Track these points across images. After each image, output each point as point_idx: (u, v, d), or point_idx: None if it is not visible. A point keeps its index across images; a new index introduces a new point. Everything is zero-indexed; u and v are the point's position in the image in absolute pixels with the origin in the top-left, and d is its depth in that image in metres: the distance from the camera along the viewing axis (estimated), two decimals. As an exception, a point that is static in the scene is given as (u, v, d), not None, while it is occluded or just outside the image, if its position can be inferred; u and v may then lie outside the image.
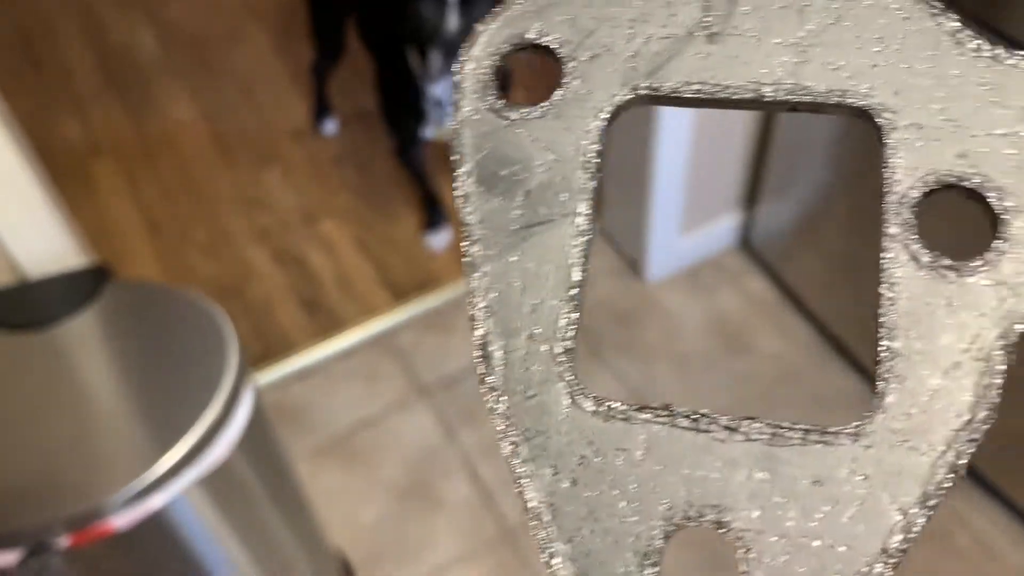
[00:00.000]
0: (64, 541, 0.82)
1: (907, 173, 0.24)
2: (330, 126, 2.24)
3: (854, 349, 1.70)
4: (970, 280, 0.24)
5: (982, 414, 0.23)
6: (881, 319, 0.24)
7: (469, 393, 1.71)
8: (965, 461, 0.23)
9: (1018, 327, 0.23)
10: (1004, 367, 0.23)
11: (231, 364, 0.90)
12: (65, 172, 2.12)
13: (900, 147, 0.25)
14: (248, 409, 0.92)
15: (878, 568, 0.23)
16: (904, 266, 0.24)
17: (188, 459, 0.85)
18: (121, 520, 0.83)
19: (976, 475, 1.53)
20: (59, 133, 2.31)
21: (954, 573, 1.46)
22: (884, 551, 0.23)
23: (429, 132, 1.88)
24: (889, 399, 0.24)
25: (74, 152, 2.25)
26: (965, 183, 0.24)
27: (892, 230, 0.24)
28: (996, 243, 0.24)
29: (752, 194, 1.83)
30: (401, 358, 1.78)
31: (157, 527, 0.87)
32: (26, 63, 2.53)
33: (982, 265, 0.24)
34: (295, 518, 1.13)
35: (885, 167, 0.25)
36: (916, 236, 0.24)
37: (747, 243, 1.90)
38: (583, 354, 1.75)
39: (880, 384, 0.24)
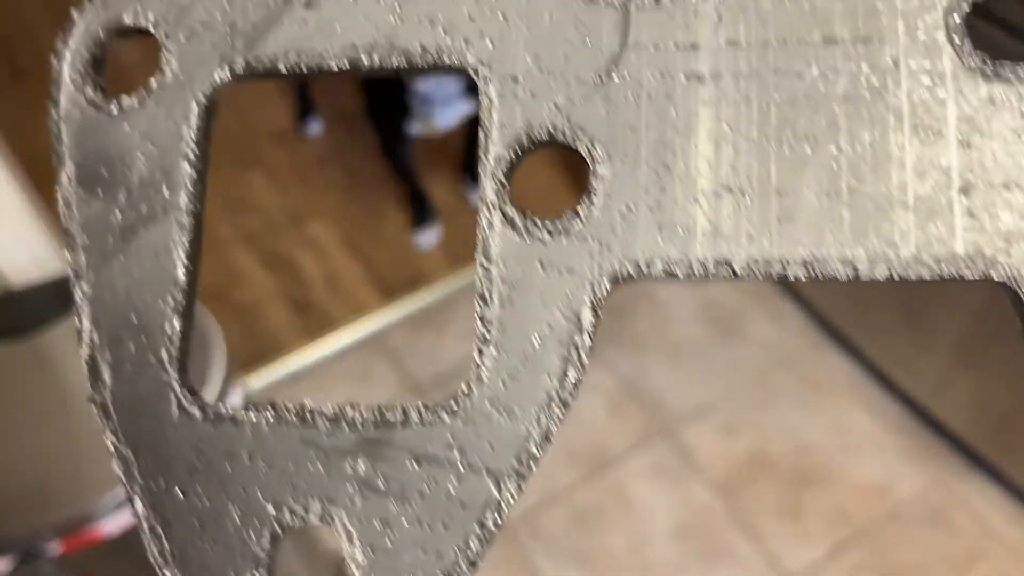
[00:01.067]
0: (55, 548, 0.82)
1: (501, 132, 0.24)
2: (314, 126, 2.23)
3: (846, 333, 1.70)
4: (563, 239, 0.23)
5: (571, 374, 0.23)
6: (478, 289, 0.24)
7: (462, 389, 1.70)
8: (557, 426, 0.23)
9: (606, 283, 0.23)
10: (594, 325, 0.23)
11: (218, 366, 0.89)
12: (48, 180, 2.11)
13: (496, 103, 0.24)
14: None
15: (474, 544, 0.23)
16: (500, 232, 0.24)
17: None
18: (111, 525, 0.83)
19: (973, 454, 1.54)
20: (41, 141, 2.30)
21: (952, 552, 1.46)
22: (481, 524, 0.23)
23: (415, 128, 1.87)
24: (484, 370, 0.23)
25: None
26: (559, 137, 0.24)
27: (489, 196, 0.24)
28: (587, 197, 0.23)
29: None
30: (393, 357, 1.77)
31: (149, 532, 0.86)
32: (8, 72, 2.52)
33: (574, 220, 0.23)
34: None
35: (481, 126, 0.24)
36: (509, 199, 0.24)
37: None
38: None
39: (476, 355, 0.23)
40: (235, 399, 0.91)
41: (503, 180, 0.24)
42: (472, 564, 0.23)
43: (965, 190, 0.22)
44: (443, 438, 0.23)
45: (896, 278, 0.22)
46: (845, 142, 0.23)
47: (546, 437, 0.23)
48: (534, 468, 0.23)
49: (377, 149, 2.05)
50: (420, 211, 1.99)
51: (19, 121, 2.36)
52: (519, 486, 0.23)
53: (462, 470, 0.23)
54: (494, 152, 0.24)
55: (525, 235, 0.23)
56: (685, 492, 1.56)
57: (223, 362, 0.90)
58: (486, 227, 0.24)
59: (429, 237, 1.98)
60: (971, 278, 0.22)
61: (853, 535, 1.50)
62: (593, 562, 1.50)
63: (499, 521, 0.23)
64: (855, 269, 0.22)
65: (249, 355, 1.76)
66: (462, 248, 1.96)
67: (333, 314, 1.85)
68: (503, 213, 0.24)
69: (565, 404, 0.23)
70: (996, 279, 0.22)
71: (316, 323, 1.84)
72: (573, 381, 0.23)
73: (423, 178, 2.02)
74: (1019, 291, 0.22)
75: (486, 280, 0.23)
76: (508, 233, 0.24)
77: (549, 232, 0.23)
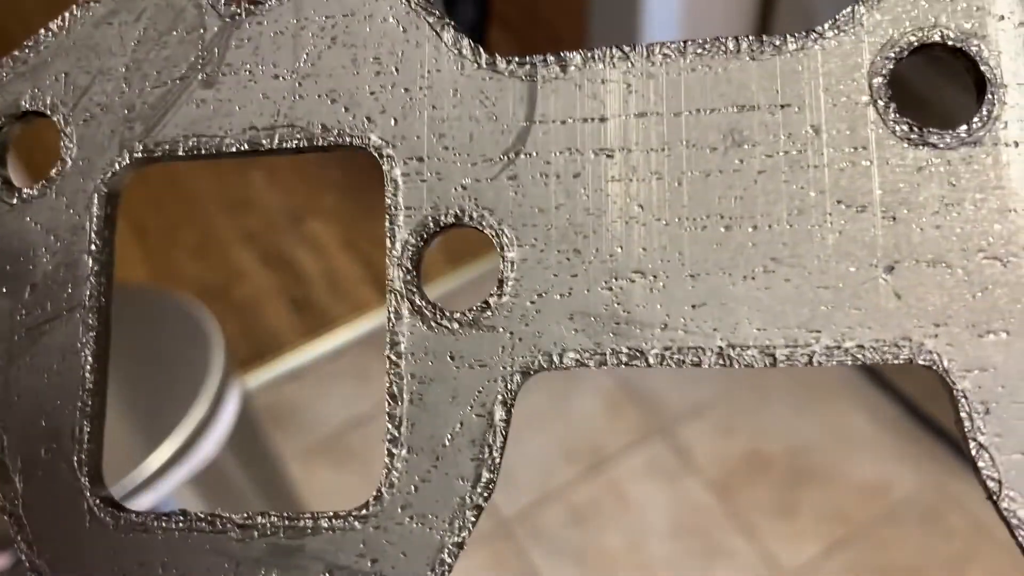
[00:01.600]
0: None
1: (408, 217, 0.23)
2: (315, 126, 2.23)
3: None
4: (473, 331, 0.22)
5: (485, 476, 0.22)
6: (387, 387, 0.23)
7: (460, 388, 1.70)
8: (470, 532, 0.22)
9: (518, 378, 0.22)
10: (506, 422, 0.22)
11: (216, 363, 0.90)
12: (50, 179, 2.11)
13: (401, 186, 0.23)
14: (235, 407, 0.92)
15: None
16: (408, 323, 0.23)
17: (176, 459, 0.85)
18: (110, 522, 0.83)
19: (968, 454, 1.54)
20: (42, 140, 2.30)
21: (948, 553, 1.46)
22: None
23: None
24: (395, 473, 0.23)
25: (58, 158, 2.24)
26: (467, 221, 0.23)
27: (396, 284, 0.23)
28: (498, 285, 0.22)
29: None
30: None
31: (147, 528, 0.87)
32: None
33: (485, 310, 0.22)
34: (287, 516, 1.13)
35: (387, 211, 0.23)
36: (417, 288, 0.23)
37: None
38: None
39: (387, 458, 0.23)
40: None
41: (411, 267, 0.23)
42: None
43: (891, 269, 0.21)
44: (355, 547, 0.23)
45: (817, 365, 0.21)
46: (762, 220, 0.21)
47: (460, 545, 0.22)
48: (447, 572, 0.22)
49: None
50: None
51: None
52: None
53: None
54: (400, 238, 0.23)
55: (435, 326, 0.23)
56: (682, 491, 1.57)
57: (221, 361, 0.91)
58: (394, 318, 0.23)
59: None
60: (896, 363, 0.21)
61: (849, 534, 1.50)
62: (590, 560, 1.50)
63: None
64: (773, 358, 0.21)
65: (248, 353, 1.76)
66: (461, 247, 1.97)
67: (333, 312, 1.86)
68: (411, 303, 0.23)
69: (479, 508, 0.22)
70: (922, 363, 0.21)
71: (316, 321, 1.84)
72: (486, 484, 0.22)
73: None
74: (946, 377, 0.21)
75: (395, 376, 0.23)
76: (417, 324, 0.23)
77: (459, 323, 0.22)
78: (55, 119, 0.25)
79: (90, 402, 0.24)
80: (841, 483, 1.56)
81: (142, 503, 0.84)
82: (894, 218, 0.21)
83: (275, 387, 1.73)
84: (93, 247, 0.24)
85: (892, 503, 1.53)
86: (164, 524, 0.23)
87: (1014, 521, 0.20)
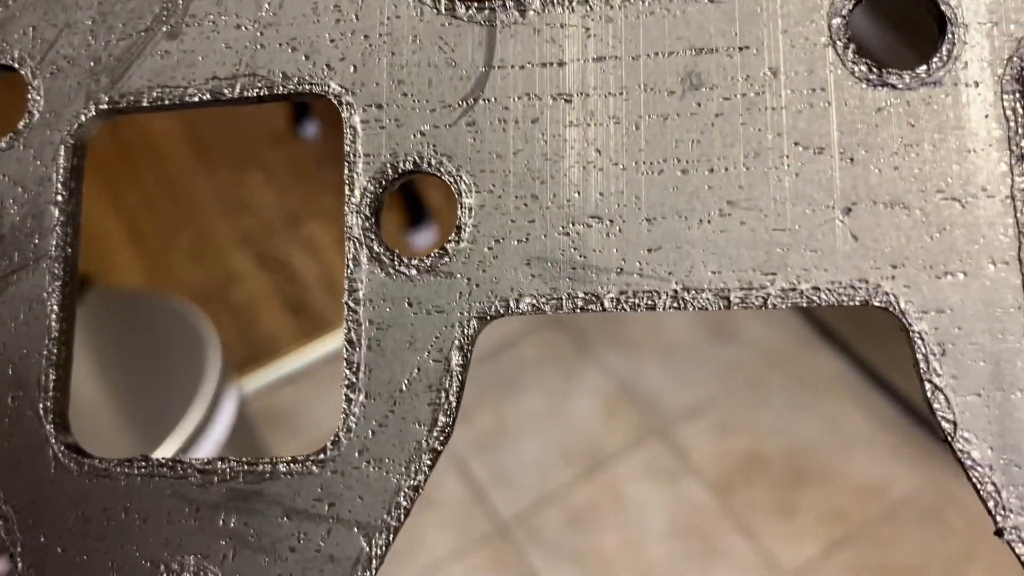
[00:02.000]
0: None
1: (367, 164, 0.23)
2: (310, 128, 2.23)
3: (840, 332, 1.70)
4: (431, 277, 0.23)
5: (441, 420, 0.22)
6: (344, 332, 0.23)
7: (458, 390, 1.70)
8: (427, 476, 0.22)
9: (475, 323, 0.22)
10: (462, 367, 0.22)
11: (213, 367, 0.90)
12: None
13: (360, 133, 0.23)
14: (231, 411, 0.92)
15: None
16: (366, 270, 0.23)
17: (172, 463, 0.85)
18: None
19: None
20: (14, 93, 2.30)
21: (946, 552, 1.46)
22: None
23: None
24: (352, 418, 0.23)
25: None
26: (425, 167, 0.23)
27: (355, 232, 0.23)
28: (455, 231, 0.23)
29: None
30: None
31: (144, 533, 0.86)
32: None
33: (442, 256, 0.23)
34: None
35: (346, 158, 0.23)
36: (376, 235, 0.23)
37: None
38: (570, 350, 1.76)
39: (344, 403, 0.23)
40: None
41: (369, 214, 0.23)
42: None
43: (848, 210, 0.21)
44: (312, 491, 0.23)
45: (771, 307, 0.21)
46: (719, 163, 0.21)
47: (416, 488, 0.22)
48: (403, 521, 0.22)
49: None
50: (416, 213, 2.00)
51: (13, 123, 2.37)
52: (389, 540, 0.22)
53: (331, 524, 0.23)
54: (359, 185, 0.23)
55: (392, 272, 0.23)
56: (680, 492, 1.57)
57: (218, 364, 0.90)
58: (352, 265, 0.23)
59: (425, 238, 1.98)
60: (851, 305, 0.21)
61: (847, 534, 1.50)
62: (589, 562, 1.50)
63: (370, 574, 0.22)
64: (727, 301, 0.21)
65: (245, 357, 1.76)
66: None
67: (329, 315, 1.86)
68: (370, 250, 0.23)
69: (435, 452, 0.22)
70: (878, 305, 0.21)
71: (312, 324, 1.84)
72: (443, 428, 0.22)
73: (418, 180, 2.03)
74: (902, 319, 0.21)
75: (353, 322, 0.23)
76: (375, 271, 0.23)
77: (417, 269, 0.23)
78: (23, 72, 0.25)
79: (56, 351, 0.24)
80: (840, 483, 1.56)
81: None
82: (852, 159, 0.21)
83: (272, 390, 1.73)
84: (59, 198, 0.25)
85: (891, 502, 1.53)
86: (127, 470, 0.24)
87: (967, 461, 0.21)
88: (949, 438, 0.20)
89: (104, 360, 0.96)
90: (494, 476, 1.60)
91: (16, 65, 0.25)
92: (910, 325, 0.21)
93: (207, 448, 0.88)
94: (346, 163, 0.23)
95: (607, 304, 0.22)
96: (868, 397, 1.64)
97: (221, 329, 0.95)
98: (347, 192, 0.23)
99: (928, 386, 0.21)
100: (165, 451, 0.84)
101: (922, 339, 0.21)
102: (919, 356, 0.21)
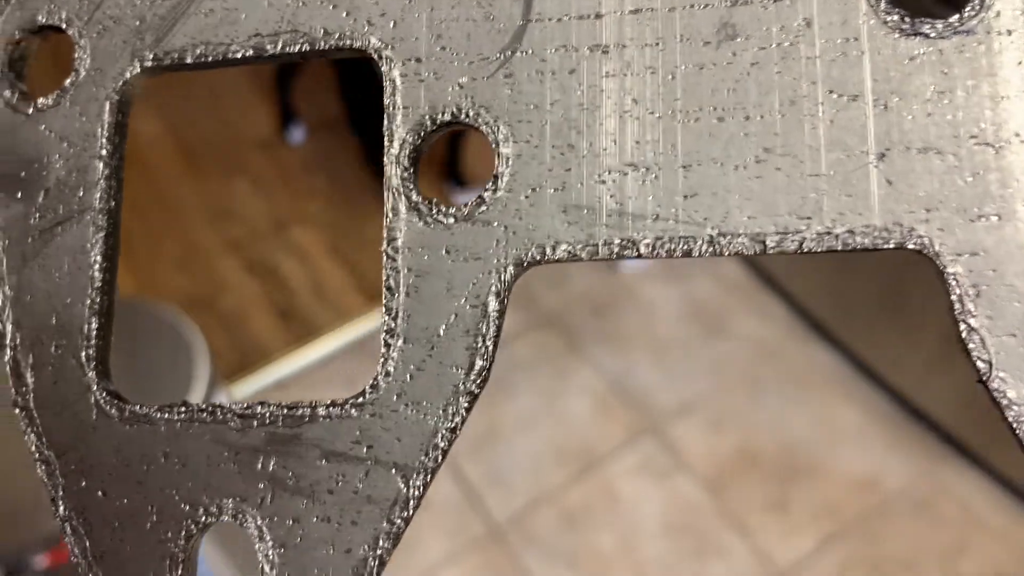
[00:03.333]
0: (42, 561, 0.82)
1: (405, 116, 0.24)
2: (297, 134, 2.23)
3: (831, 326, 1.70)
4: (468, 225, 0.23)
5: (478, 365, 0.23)
6: (384, 279, 0.23)
7: (450, 392, 1.70)
8: (464, 419, 0.23)
9: (512, 269, 0.23)
10: (499, 312, 0.23)
11: (202, 374, 0.89)
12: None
13: (399, 86, 0.24)
14: (222, 418, 0.92)
15: (383, 541, 0.23)
16: (405, 219, 0.23)
17: (163, 472, 0.85)
18: (98, 537, 0.83)
19: (958, 443, 1.54)
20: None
21: (940, 541, 1.47)
22: (389, 521, 0.23)
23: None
24: (391, 362, 0.24)
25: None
26: (463, 118, 0.23)
27: (394, 182, 0.24)
28: (492, 180, 0.23)
29: None
30: (379, 362, 1.77)
31: (136, 542, 0.86)
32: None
33: (480, 205, 0.23)
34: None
35: (386, 111, 0.24)
36: (415, 185, 0.24)
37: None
38: (562, 349, 1.76)
39: (383, 348, 0.24)
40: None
41: (408, 164, 0.23)
42: (380, 562, 0.23)
43: (882, 156, 0.21)
44: (351, 433, 0.23)
45: (807, 251, 0.22)
46: (754, 111, 0.22)
47: (453, 430, 0.23)
48: (440, 463, 0.23)
49: (360, 155, 2.05)
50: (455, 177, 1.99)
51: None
52: (427, 481, 0.23)
53: (369, 466, 0.23)
54: (399, 136, 0.24)
55: (430, 221, 0.23)
56: (673, 489, 1.57)
57: (207, 372, 0.90)
58: (391, 214, 0.23)
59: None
60: (886, 248, 0.21)
61: (841, 528, 1.50)
62: (584, 562, 1.50)
63: (407, 517, 0.23)
64: (763, 245, 0.22)
65: (235, 363, 1.75)
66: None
67: (318, 320, 1.85)
68: (408, 199, 0.23)
69: (472, 396, 0.23)
70: (912, 248, 0.21)
71: (302, 329, 1.83)
72: (480, 372, 0.23)
73: (462, 141, 2.03)
74: (936, 261, 0.21)
75: (392, 269, 0.23)
76: (413, 220, 0.23)
77: (455, 218, 0.23)
78: (70, 32, 0.26)
79: (99, 300, 0.25)
80: (833, 477, 1.56)
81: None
82: (885, 106, 0.21)
83: (263, 397, 1.72)
84: (104, 152, 0.25)
85: (884, 495, 1.53)
86: (167, 415, 0.25)
87: (1004, 401, 0.21)
88: (984, 378, 0.20)
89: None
90: (487, 478, 1.59)
91: (64, 25, 0.26)
92: (944, 268, 0.21)
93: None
94: (385, 116, 0.24)
95: (643, 250, 0.22)
96: (860, 391, 1.65)
97: (211, 336, 0.95)
98: (387, 144, 0.24)
99: (963, 327, 0.21)
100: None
101: (956, 281, 0.21)
102: (954, 298, 0.21)
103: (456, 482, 1.59)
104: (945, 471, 1.54)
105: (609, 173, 0.22)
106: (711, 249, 0.22)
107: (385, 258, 0.23)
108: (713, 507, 1.54)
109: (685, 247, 0.22)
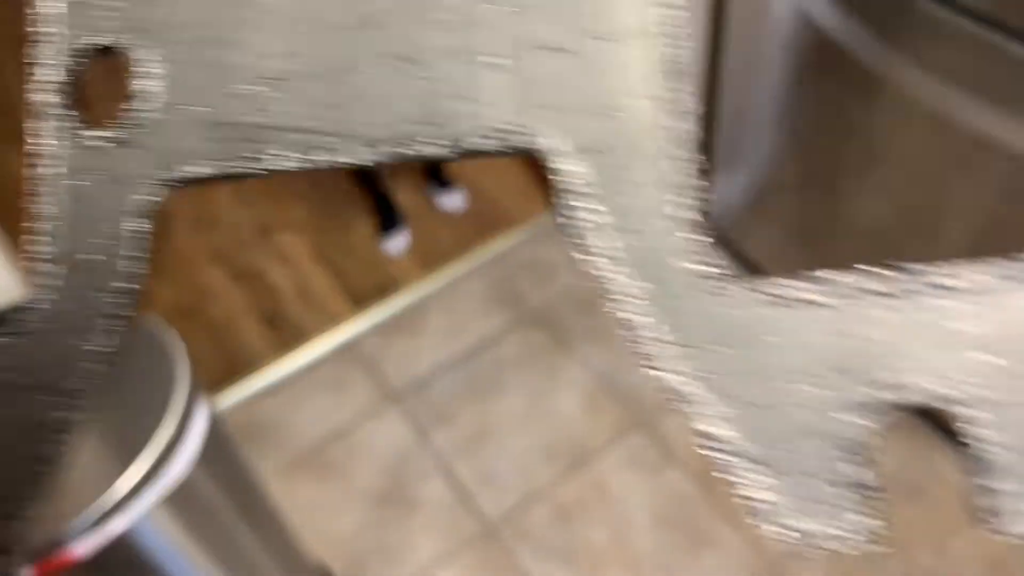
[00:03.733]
0: (27, 573, 0.81)
1: (55, 43, 0.23)
2: (278, 139, 2.22)
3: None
4: (110, 145, 0.23)
5: (122, 286, 0.23)
6: (35, 207, 0.23)
7: (440, 393, 1.70)
8: (111, 343, 0.23)
9: (158, 189, 0.23)
10: (145, 235, 0.23)
11: (182, 382, 0.89)
12: (10, 205, 2.09)
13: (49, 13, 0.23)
14: (204, 426, 0.91)
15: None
16: (53, 135, 0.23)
17: (146, 480, 0.84)
18: (83, 547, 0.82)
19: (949, 427, 1.54)
20: (4, 167, 2.28)
21: (932, 527, 1.47)
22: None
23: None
24: (39, 289, 0.23)
25: (20, 184, 2.22)
26: (111, 41, 0.23)
27: (42, 101, 0.23)
28: (139, 100, 0.23)
29: (702, 169, 1.83)
30: (367, 365, 1.77)
31: (121, 551, 0.85)
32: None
33: (125, 125, 0.23)
34: (267, 532, 1.12)
35: (32, 39, 0.23)
36: (66, 105, 0.23)
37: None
38: (550, 346, 1.75)
39: (34, 275, 0.23)
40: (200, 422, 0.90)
41: (63, 85, 0.23)
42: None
43: (507, 59, 0.21)
44: (10, 361, 0.23)
45: (439, 158, 0.22)
46: (391, 19, 0.22)
47: (102, 353, 0.23)
48: (94, 384, 0.23)
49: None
50: (387, 217, 1.99)
51: (-20, 149, 2.35)
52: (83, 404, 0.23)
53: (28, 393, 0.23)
54: (46, 56, 0.23)
55: (72, 140, 0.23)
56: (666, 483, 1.57)
57: (187, 379, 0.90)
58: (42, 136, 0.23)
59: (397, 243, 1.97)
60: (507, 153, 0.21)
61: (834, 515, 1.50)
62: (578, 558, 1.50)
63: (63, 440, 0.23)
64: (407, 152, 0.22)
65: (222, 371, 1.75)
66: (431, 252, 1.96)
67: (305, 325, 1.85)
68: (58, 120, 0.23)
69: (122, 318, 0.23)
70: (530, 148, 0.21)
71: (289, 335, 1.83)
72: (127, 293, 0.23)
73: (389, 184, 2.02)
74: (551, 160, 0.21)
75: (38, 193, 0.23)
76: (62, 139, 0.23)
77: (97, 139, 0.23)
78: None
79: None
80: (823, 464, 1.56)
81: (117, 525, 0.83)
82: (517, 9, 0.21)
83: (252, 404, 1.72)
84: None
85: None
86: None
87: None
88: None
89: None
90: (479, 477, 1.59)
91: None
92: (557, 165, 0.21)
93: (181, 463, 0.87)
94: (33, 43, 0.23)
95: (291, 164, 0.22)
96: (847, 378, 1.65)
97: (198, 345, 0.94)
98: (37, 64, 0.23)
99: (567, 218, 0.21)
100: (139, 467, 0.83)
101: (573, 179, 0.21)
102: (568, 196, 0.21)
103: (448, 482, 1.58)
104: (938, 456, 1.54)
105: (252, 87, 0.22)
106: (354, 160, 0.22)
107: (33, 183, 0.23)
108: (705, 499, 1.54)
109: (331, 158, 0.22)
